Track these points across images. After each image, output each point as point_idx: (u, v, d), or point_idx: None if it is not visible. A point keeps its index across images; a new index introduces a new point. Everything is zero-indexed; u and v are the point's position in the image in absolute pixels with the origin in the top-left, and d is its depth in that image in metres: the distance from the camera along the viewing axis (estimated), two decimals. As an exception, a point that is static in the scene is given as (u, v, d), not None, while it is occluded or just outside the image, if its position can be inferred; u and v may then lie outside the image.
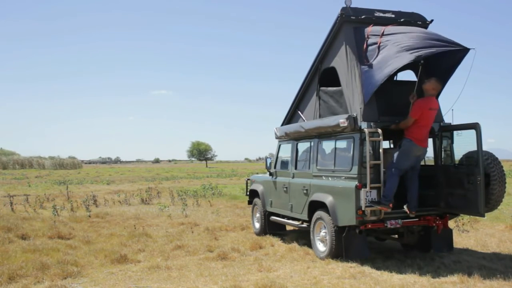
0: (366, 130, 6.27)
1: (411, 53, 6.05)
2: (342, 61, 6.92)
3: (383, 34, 6.52)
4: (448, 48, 6.22)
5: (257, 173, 11.23)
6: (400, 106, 6.69)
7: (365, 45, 6.64)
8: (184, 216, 12.23)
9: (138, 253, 7.65)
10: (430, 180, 6.90)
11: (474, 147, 6.29)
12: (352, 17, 6.86)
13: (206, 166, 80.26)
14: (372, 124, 6.38)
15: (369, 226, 6.48)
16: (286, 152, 8.71)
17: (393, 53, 6.23)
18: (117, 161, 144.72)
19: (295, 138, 8.31)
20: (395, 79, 7.42)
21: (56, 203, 13.99)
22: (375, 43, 6.55)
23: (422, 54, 6.04)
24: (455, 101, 6.61)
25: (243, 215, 12.26)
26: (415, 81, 7.10)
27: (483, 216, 6.38)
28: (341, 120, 6.61)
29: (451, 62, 6.66)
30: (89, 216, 11.98)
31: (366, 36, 6.69)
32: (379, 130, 6.28)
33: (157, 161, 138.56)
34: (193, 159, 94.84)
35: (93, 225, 10.71)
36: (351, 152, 6.60)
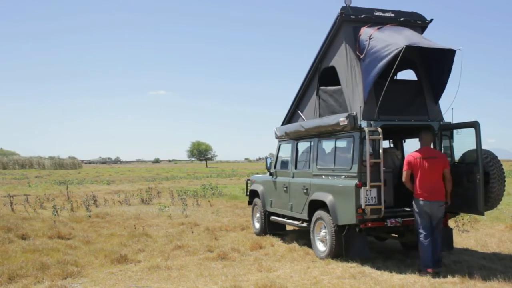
0: (366, 129, 6.26)
1: (401, 43, 6.01)
2: (342, 60, 6.92)
3: (371, 37, 6.51)
4: (434, 46, 6.21)
5: (257, 173, 11.22)
6: (400, 105, 6.69)
7: (357, 44, 6.69)
8: (184, 216, 12.23)
9: (138, 253, 7.64)
10: None
11: (473, 146, 6.29)
12: (351, 17, 6.87)
13: (206, 166, 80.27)
14: (372, 123, 6.37)
15: (369, 224, 6.47)
16: (286, 152, 8.70)
17: (382, 47, 6.23)
18: (117, 161, 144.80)
19: (295, 137, 8.31)
20: (395, 78, 7.41)
21: (56, 203, 13.98)
22: (366, 41, 6.56)
23: (412, 43, 5.98)
24: (453, 100, 6.61)
25: (243, 215, 12.26)
26: (415, 80, 7.12)
27: (483, 214, 6.39)
28: (341, 119, 6.60)
29: (443, 65, 6.64)
30: (89, 216, 11.99)
31: (359, 35, 6.71)
32: (379, 129, 6.28)
33: (157, 161, 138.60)
34: (193, 159, 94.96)
35: (93, 225, 10.71)
36: (351, 151, 6.59)
